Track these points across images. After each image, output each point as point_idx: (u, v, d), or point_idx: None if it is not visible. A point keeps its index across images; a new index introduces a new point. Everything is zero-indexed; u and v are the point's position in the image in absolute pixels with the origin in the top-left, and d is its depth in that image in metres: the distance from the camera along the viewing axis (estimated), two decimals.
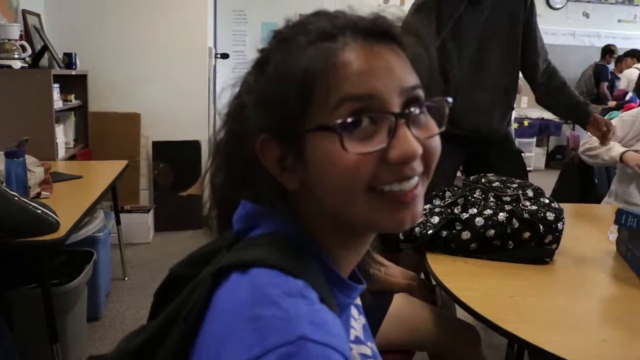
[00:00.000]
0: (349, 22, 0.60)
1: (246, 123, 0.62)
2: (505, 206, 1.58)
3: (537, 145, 7.84)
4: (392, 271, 1.64)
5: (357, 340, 0.72)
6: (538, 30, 2.42)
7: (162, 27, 4.21)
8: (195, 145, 4.37)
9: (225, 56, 5.02)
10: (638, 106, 3.21)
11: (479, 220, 1.56)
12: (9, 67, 3.02)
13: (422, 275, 1.84)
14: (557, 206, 1.58)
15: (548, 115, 7.79)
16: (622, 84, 7.29)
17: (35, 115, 3.08)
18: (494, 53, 2.33)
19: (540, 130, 7.68)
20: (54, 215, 1.82)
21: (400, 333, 1.49)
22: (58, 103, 3.29)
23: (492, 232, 1.54)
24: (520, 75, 2.46)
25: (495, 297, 1.35)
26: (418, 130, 0.60)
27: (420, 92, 0.61)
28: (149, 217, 4.10)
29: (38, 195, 2.22)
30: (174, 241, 4.11)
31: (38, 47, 3.45)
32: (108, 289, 3.16)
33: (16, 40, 3.11)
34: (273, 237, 0.62)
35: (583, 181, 2.91)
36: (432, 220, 1.60)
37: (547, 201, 1.59)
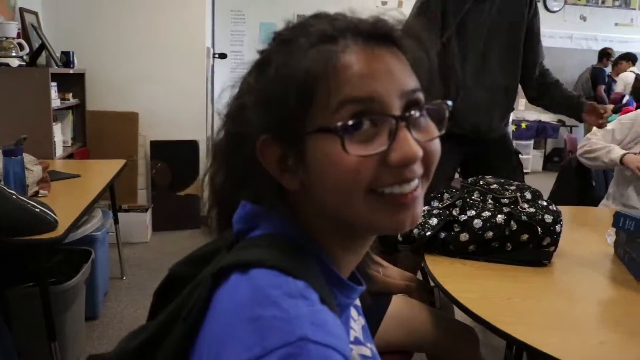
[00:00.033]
0: (350, 24, 0.60)
1: (246, 124, 0.63)
2: (504, 208, 1.58)
3: (534, 148, 7.87)
4: (391, 272, 1.64)
5: (357, 341, 0.72)
6: (540, 34, 2.43)
7: (160, 26, 4.21)
8: (193, 144, 4.37)
9: (223, 56, 5.01)
10: (635, 109, 3.22)
11: (477, 222, 1.56)
12: (7, 65, 3.01)
13: (420, 277, 1.84)
14: (555, 209, 1.58)
15: (545, 117, 7.82)
16: (618, 87, 7.31)
17: (33, 113, 3.07)
18: (495, 53, 2.33)
19: (538, 132, 7.70)
20: (52, 214, 1.82)
21: (398, 334, 1.49)
22: (56, 101, 3.28)
23: (490, 234, 1.54)
24: None
25: (493, 298, 1.35)
26: (418, 133, 0.60)
27: (421, 95, 0.61)
28: (147, 217, 4.10)
29: (36, 193, 2.22)
30: (172, 240, 4.11)
31: (36, 45, 3.44)
32: (106, 288, 3.15)
33: (14, 38, 3.10)
34: (273, 238, 0.62)
35: (581, 184, 2.91)
36: (430, 221, 1.60)
37: (545, 204, 1.59)
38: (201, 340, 0.54)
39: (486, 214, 1.57)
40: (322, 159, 0.58)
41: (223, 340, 0.51)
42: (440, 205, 1.68)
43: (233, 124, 0.67)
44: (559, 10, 7.96)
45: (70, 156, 3.55)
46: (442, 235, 1.59)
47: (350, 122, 0.56)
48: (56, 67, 3.50)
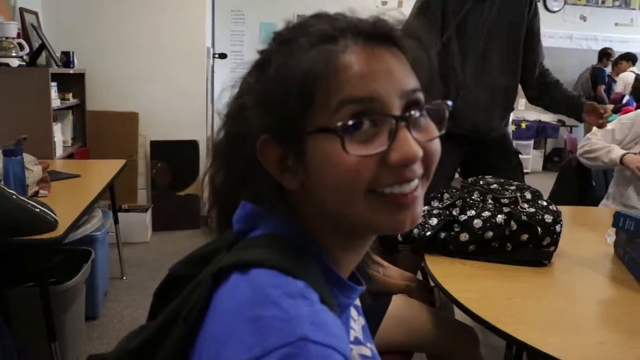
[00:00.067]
0: (350, 24, 0.60)
1: (246, 124, 0.63)
2: (504, 208, 1.58)
3: (534, 148, 7.87)
4: (391, 272, 1.64)
5: (357, 341, 0.72)
6: (540, 34, 2.44)
7: (160, 26, 4.21)
8: (193, 144, 4.37)
9: (223, 56, 5.01)
10: (635, 109, 3.22)
11: (477, 222, 1.56)
12: (7, 65, 3.01)
13: (420, 277, 1.84)
14: (555, 209, 1.58)
15: (545, 117, 7.82)
16: (618, 87, 7.31)
17: (33, 113, 3.07)
18: (495, 53, 2.34)
19: (538, 132, 7.70)
20: (52, 214, 1.82)
21: (398, 334, 1.49)
22: (56, 101, 3.29)
23: (490, 234, 1.54)
24: None
25: (493, 298, 1.35)
26: (418, 133, 0.60)
27: (421, 95, 0.61)
28: (147, 217, 4.10)
29: (36, 193, 2.22)
30: (172, 240, 4.11)
31: (36, 45, 3.44)
32: (106, 288, 3.15)
33: (14, 38, 3.10)
34: (273, 238, 0.62)
35: (581, 184, 2.91)
36: (430, 221, 1.60)
37: (545, 204, 1.59)
38: (201, 340, 0.54)
39: (486, 214, 1.57)
40: (322, 159, 0.58)
41: (223, 340, 0.51)
42: (440, 205, 1.68)
43: (233, 124, 0.67)
44: (559, 10, 7.96)
45: (70, 156, 3.55)
46: (442, 235, 1.59)
47: (350, 122, 0.57)
48: (56, 67, 3.50)
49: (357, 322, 0.76)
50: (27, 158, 2.21)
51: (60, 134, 3.44)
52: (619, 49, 7.82)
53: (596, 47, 7.97)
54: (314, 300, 0.53)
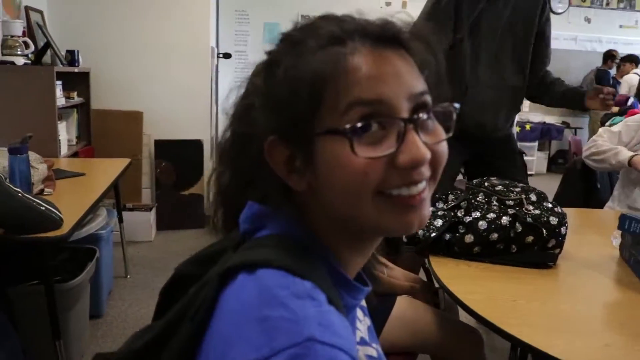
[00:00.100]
0: (358, 26, 0.60)
1: (253, 125, 0.63)
2: (509, 210, 1.58)
3: (538, 150, 7.86)
4: (395, 273, 1.64)
5: (363, 342, 0.73)
6: (550, 40, 2.45)
7: (165, 26, 4.21)
8: (197, 144, 4.37)
9: (227, 56, 5.02)
10: None
11: (482, 224, 1.56)
12: (12, 63, 3.02)
13: (424, 278, 1.84)
14: (560, 211, 1.58)
15: (550, 119, 7.81)
16: (622, 90, 7.29)
17: (37, 112, 3.08)
18: (507, 53, 2.36)
19: (542, 134, 7.69)
20: (57, 212, 1.83)
21: (403, 335, 1.49)
22: (60, 100, 3.29)
23: (495, 235, 1.54)
24: None
25: (498, 300, 1.34)
26: (426, 135, 0.60)
27: (428, 98, 0.61)
28: (151, 216, 4.10)
29: (41, 192, 2.22)
30: (176, 240, 4.11)
31: (41, 44, 3.45)
32: (110, 286, 3.16)
33: (19, 36, 3.11)
34: (280, 238, 0.62)
35: (585, 186, 2.90)
36: (435, 223, 1.60)
37: (550, 205, 1.59)
38: (207, 340, 0.54)
39: (491, 215, 1.57)
40: (331, 160, 0.58)
41: (230, 340, 0.51)
42: (445, 207, 1.68)
43: (239, 124, 0.67)
44: (564, 12, 7.94)
45: (75, 155, 3.56)
46: (447, 236, 1.58)
47: (359, 125, 0.57)
48: (61, 66, 3.51)
49: (363, 323, 0.77)
50: (33, 156, 2.22)
51: (65, 133, 3.44)
52: (623, 50, 7.80)
53: (601, 49, 7.95)
54: (321, 300, 0.53)
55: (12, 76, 3.02)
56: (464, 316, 1.50)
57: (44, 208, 1.79)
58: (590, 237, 1.98)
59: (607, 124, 3.21)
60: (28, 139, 2.11)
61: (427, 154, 0.58)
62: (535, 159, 7.65)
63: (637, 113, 2.92)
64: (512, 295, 1.38)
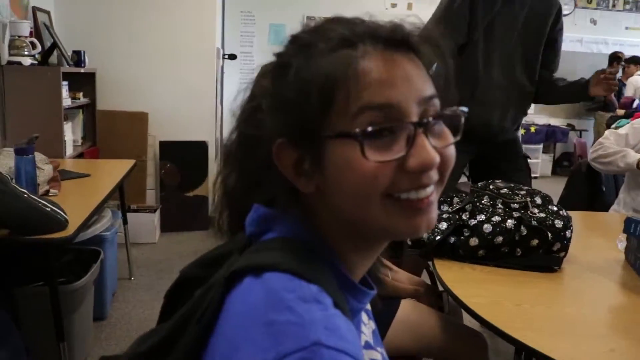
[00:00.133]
0: (368, 29, 0.60)
1: (261, 127, 0.63)
2: (514, 213, 1.57)
3: (543, 152, 7.84)
4: (399, 276, 1.64)
5: (367, 345, 0.72)
6: (560, 48, 2.46)
7: (171, 27, 4.22)
8: (202, 145, 4.38)
9: (232, 57, 5.03)
10: None
11: (487, 227, 1.55)
12: (19, 63, 3.04)
13: (428, 281, 1.83)
14: (565, 214, 1.57)
15: (555, 121, 7.79)
16: (628, 92, 7.27)
17: (44, 112, 3.09)
18: (519, 55, 2.38)
19: (547, 136, 7.67)
20: (62, 213, 1.83)
21: (407, 339, 1.48)
22: (67, 101, 3.31)
23: (500, 239, 1.54)
24: None
25: (503, 304, 1.34)
26: (435, 139, 0.60)
27: (437, 102, 0.61)
28: (155, 217, 4.10)
29: (47, 192, 2.23)
30: (180, 241, 4.10)
31: (47, 44, 3.46)
32: (114, 288, 3.16)
33: (26, 37, 3.13)
34: (286, 241, 0.62)
35: (590, 189, 2.89)
36: (440, 226, 1.60)
37: (555, 209, 1.59)
38: (214, 343, 0.54)
39: (496, 218, 1.57)
40: (341, 163, 0.58)
41: (236, 344, 0.51)
42: (450, 210, 1.67)
43: (246, 126, 0.67)
44: (569, 13, 7.92)
45: (80, 155, 3.57)
46: (452, 239, 1.58)
47: (370, 129, 0.57)
48: (67, 66, 3.52)
49: (368, 326, 0.76)
50: (38, 157, 2.23)
51: (71, 133, 3.46)
52: (629, 52, 7.78)
53: (606, 50, 7.93)
54: (327, 304, 0.53)
55: (19, 76, 3.04)
56: (468, 320, 1.50)
57: (49, 209, 1.79)
58: (596, 240, 1.98)
59: (613, 126, 3.20)
60: (34, 140, 2.11)
61: (437, 158, 0.58)
62: (540, 161, 7.63)
63: None
64: (517, 298, 1.37)
